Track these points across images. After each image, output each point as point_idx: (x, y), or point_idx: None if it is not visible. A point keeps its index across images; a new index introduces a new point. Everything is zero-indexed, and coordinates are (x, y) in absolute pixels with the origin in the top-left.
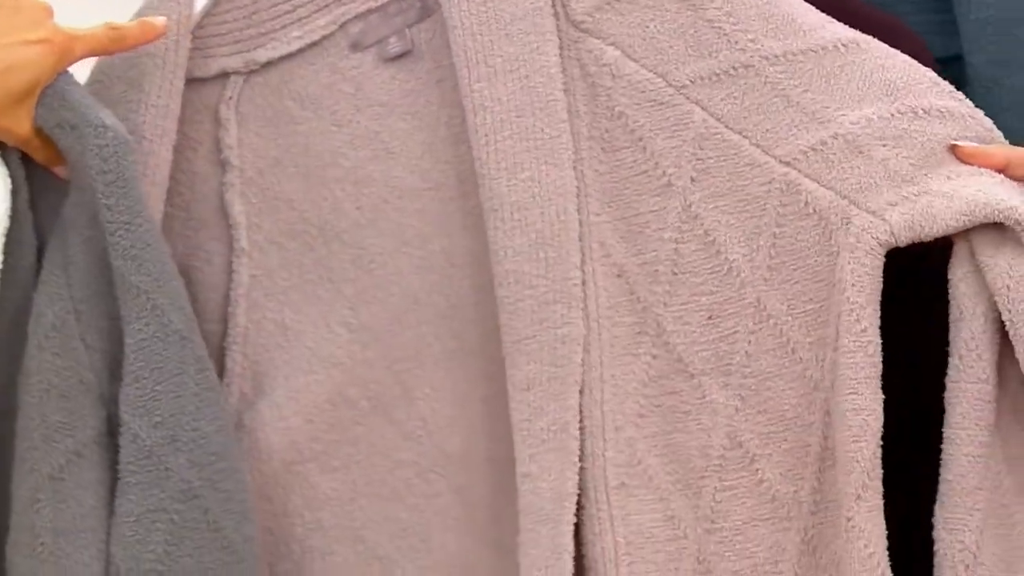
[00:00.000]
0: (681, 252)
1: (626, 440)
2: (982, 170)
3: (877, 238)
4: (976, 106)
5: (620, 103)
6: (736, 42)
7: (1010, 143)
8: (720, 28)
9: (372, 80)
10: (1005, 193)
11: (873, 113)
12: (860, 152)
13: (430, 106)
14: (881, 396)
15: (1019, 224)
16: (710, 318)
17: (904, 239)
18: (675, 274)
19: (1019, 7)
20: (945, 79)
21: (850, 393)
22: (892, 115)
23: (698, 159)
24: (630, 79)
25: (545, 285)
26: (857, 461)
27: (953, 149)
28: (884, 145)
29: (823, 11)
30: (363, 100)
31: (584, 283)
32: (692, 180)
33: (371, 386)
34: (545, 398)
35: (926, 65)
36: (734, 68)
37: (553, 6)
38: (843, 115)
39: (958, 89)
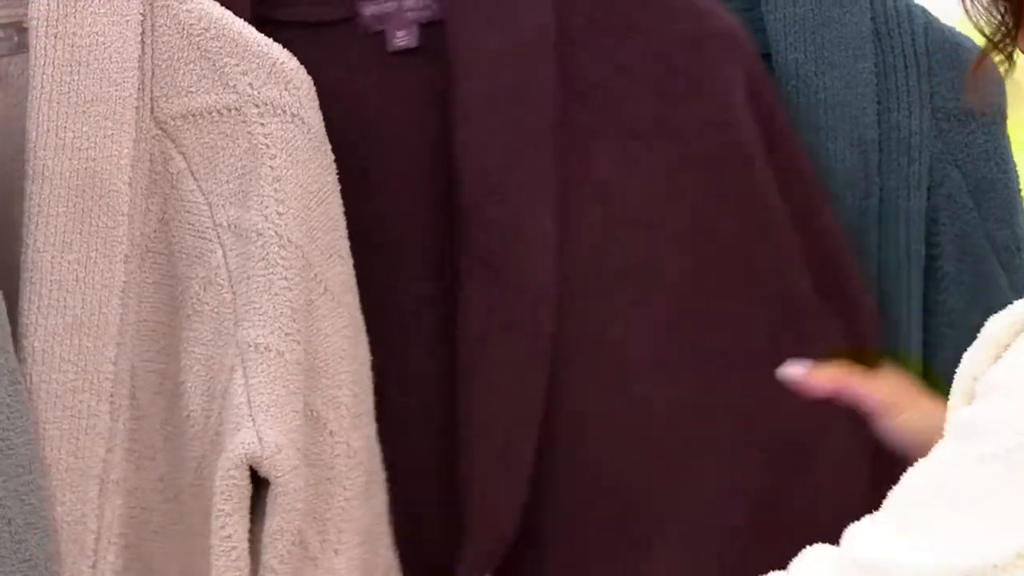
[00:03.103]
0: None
1: (123, 547)
2: None
3: None
4: (785, 104)
5: (170, 213)
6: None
7: (818, 140)
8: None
9: None
10: None
11: None
12: None
13: (9, 138)
14: None
15: None
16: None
17: None
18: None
19: (824, 8)
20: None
21: None
22: None
23: (201, 296)
24: (184, 196)
25: (75, 372)
26: None
27: None
28: None
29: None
30: None
31: (115, 380)
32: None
33: None
34: (62, 487)
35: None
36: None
37: (139, 98)
38: None
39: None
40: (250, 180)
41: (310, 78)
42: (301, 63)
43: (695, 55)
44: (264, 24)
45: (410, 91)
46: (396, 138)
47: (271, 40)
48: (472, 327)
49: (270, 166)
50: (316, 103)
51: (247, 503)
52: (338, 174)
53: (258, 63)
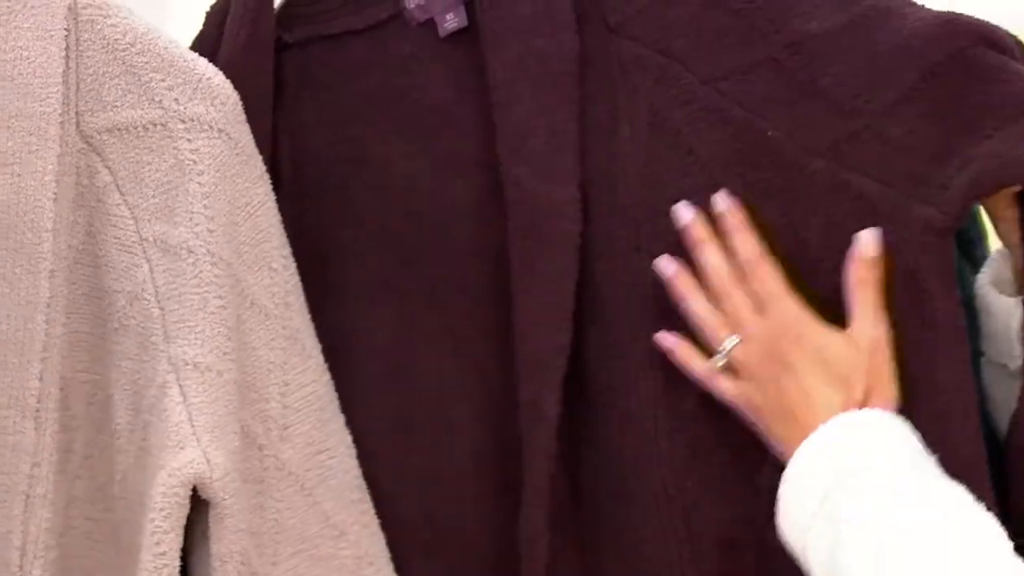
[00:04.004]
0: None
1: (52, 560)
2: None
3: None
4: None
5: (96, 226)
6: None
7: None
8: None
9: None
10: None
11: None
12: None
13: None
14: None
15: None
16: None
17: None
18: (92, 402)
19: None
20: None
21: None
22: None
23: (127, 311)
24: (110, 210)
25: (0, 389)
26: None
27: None
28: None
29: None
30: None
31: (40, 395)
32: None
33: None
34: None
35: None
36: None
37: (64, 112)
38: None
39: None
40: (177, 196)
41: (236, 93)
42: (360, 69)
43: None
44: (308, 44)
45: (471, 70)
46: (469, 119)
47: (197, 55)
48: (514, 284)
49: (198, 182)
50: (243, 117)
51: (183, 522)
52: (417, 164)
53: (184, 78)
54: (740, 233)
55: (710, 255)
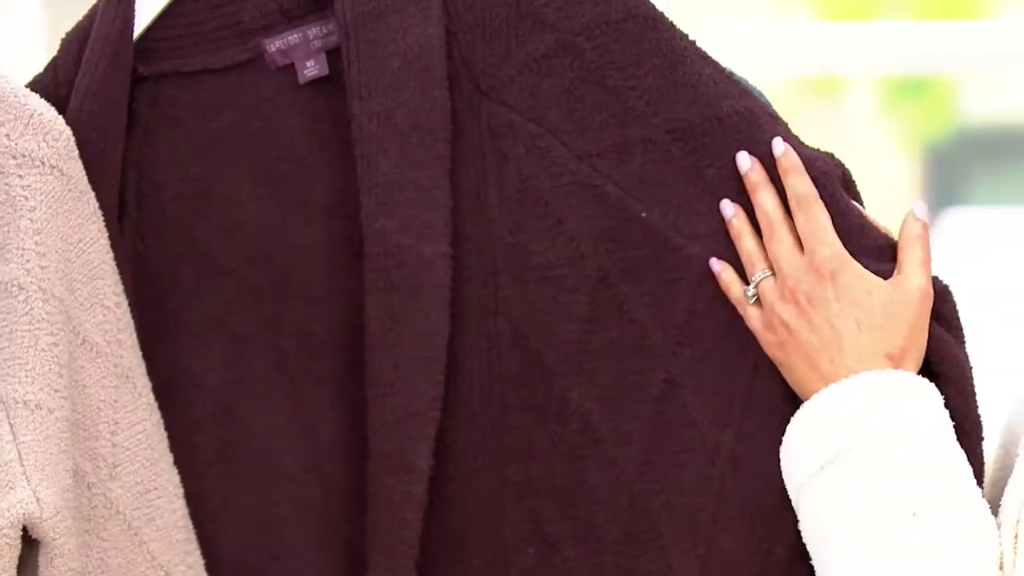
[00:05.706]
0: None
1: None
2: None
3: None
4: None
5: None
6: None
7: None
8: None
9: None
10: None
11: None
12: None
13: None
14: None
15: None
16: None
17: None
18: None
19: None
20: None
21: None
22: None
23: None
24: None
25: None
26: None
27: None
28: None
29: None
30: None
31: None
32: None
33: None
34: None
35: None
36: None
37: None
38: None
39: None
40: (8, 232)
41: (69, 128)
42: (215, 109)
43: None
44: (162, 78)
45: (329, 118)
46: (323, 166)
47: (28, 91)
48: (372, 336)
49: (30, 219)
50: (76, 152)
51: (16, 563)
52: (265, 207)
53: (15, 114)
54: (794, 174)
55: (764, 197)
